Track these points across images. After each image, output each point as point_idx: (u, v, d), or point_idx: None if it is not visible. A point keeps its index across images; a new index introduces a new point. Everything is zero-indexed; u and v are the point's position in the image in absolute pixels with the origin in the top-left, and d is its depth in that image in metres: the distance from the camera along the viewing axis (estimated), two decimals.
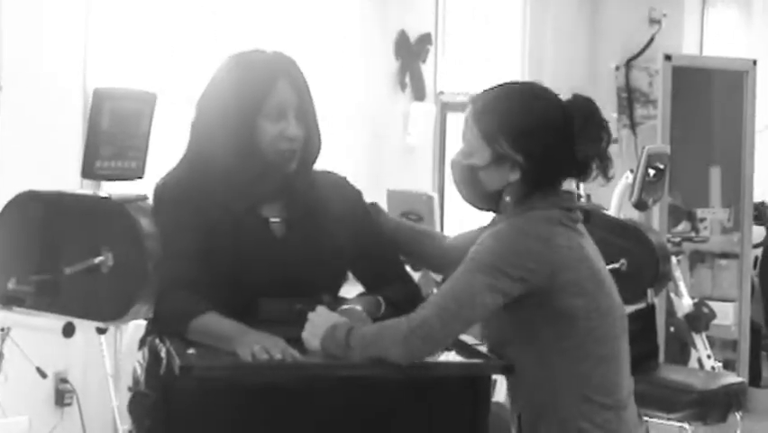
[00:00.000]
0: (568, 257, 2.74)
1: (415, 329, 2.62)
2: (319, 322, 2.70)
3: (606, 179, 2.90)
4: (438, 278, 4.14)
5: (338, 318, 2.72)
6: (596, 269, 2.82)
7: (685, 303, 6.10)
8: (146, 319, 3.15)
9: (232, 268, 2.83)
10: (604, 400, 2.79)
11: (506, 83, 2.96)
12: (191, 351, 2.62)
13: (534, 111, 2.81)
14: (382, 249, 3.08)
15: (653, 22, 7.78)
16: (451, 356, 2.77)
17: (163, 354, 2.66)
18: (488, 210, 2.93)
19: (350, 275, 3.05)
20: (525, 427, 2.83)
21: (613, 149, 2.92)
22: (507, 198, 2.83)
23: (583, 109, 2.83)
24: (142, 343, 2.86)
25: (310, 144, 2.94)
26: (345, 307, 2.85)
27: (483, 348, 2.84)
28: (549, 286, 2.71)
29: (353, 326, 2.69)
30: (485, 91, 2.88)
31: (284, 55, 2.94)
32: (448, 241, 3.20)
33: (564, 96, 2.87)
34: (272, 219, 2.93)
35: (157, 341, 2.73)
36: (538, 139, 2.78)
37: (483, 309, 2.69)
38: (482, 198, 2.88)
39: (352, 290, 3.03)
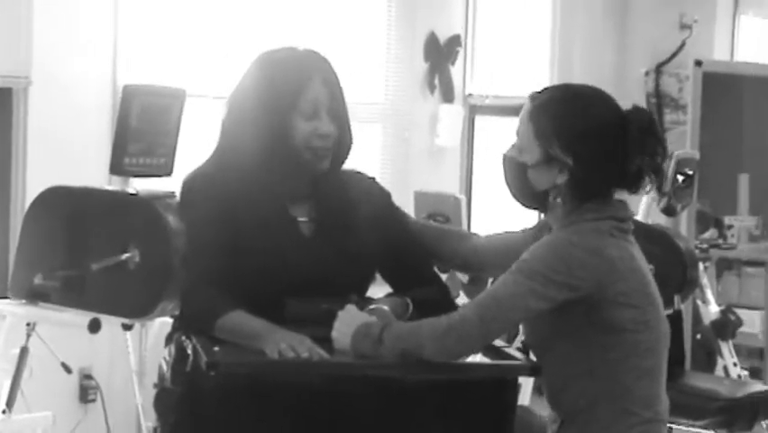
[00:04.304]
0: (619, 268, 2.71)
1: (453, 326, 2.62)
2: (349, 320, 2.69)
3: (659, 194, 2.86)
4: (465, 279, 4.11)
5: (369, 317, 2.72)
6: (646, 281, 2.79)
7: (712, 310, 6.06)
8: (172, 317, 3.15)
9: (259, 266, 2.81)
10: (644, 413, 2.77)
11: (567, 84, 2.92)
12: (217, 348, 2.61)
13: (589, 115, 2.77)
14: (411, 250, 3.05)
15: (684, 27, 7.73)
16: (478, 358, 2.75)
17: (189, 351, 2.66)
18: (533, 209, 2.91)
19: (378, 275, 3.04)
20: None
21: None
22: (558, 200, 2.79)
23: (641, 121, 2.78)
24: (169, 339, 2.86)
25: (342, 143, 2.93)
26: (372, 306, 2.84)
27: (510, 350, 2.83)
28: (598, 296, 2.69)
29: (389, 322, 2.69)
30: (544, 89, 2.85)
31: (317, 53, 2.92)
32: (480, 240, 3.16)
33: (624, 106, 2.82)
34: (301, 219, 2.91)
35: (183, 338, 2.73)
36: (590, 144, 2.74)
37: (524, 312, 2.68)
38: (528, 196, 2.85)
39: (379, 290, 3.01)
